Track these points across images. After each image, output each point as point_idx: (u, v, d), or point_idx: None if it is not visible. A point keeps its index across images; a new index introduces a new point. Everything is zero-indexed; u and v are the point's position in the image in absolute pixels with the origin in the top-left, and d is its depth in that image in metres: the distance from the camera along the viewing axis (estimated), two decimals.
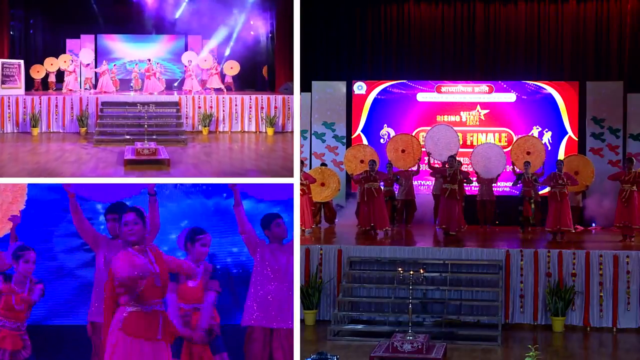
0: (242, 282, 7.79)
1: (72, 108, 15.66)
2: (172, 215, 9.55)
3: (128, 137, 14.16)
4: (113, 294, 6.34)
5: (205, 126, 15.68)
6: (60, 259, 9.75)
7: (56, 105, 15.63)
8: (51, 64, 17.30)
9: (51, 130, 15.65)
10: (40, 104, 15.58)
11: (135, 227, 6.46)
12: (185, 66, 17.30)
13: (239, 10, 17.03)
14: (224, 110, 15.97)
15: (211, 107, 15.94)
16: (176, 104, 15.91)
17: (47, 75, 17.27)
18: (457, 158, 15.61)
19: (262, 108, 15.92)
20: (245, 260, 8.67)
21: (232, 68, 17.43)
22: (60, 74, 17.30)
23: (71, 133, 15.51)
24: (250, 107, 16.00)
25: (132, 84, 17.57)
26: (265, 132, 15.76)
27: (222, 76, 17.38)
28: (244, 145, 14.75)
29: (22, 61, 16.26)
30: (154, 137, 13.89)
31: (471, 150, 16.53)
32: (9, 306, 7.54)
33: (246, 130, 16.00)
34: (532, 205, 15.02)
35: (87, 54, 17.48)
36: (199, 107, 15.93)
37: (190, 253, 7.70)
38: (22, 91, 15.99)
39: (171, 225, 9.18)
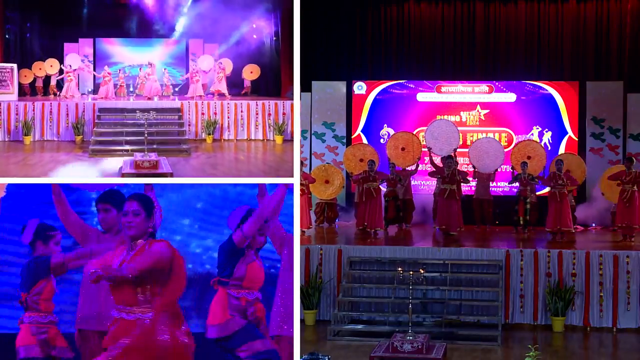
0: (269, 282, 7.06)
1: (67, 115, 14.75)
2: (178, 202, 8.53)
3: (127, 146, 13.32)
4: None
5: (209, 134, 14.75)
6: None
7: (50, 112, 14.75)
8: (39, 69, 16.36)
9: (45, 139, 14.70)
10: (33, 110, 14.64)
11: (135, 219, 5.93)
12: (189, 69, 16.51)
13: (242, 13, 16.58)
14: (228, 117, 15.03)
15: (215, 113, 14.98)
16: (178, 110, 14.97)
17: (35, 80, 16.44)
18: (456, 157, 15.64)
19: (269, 115, 14.96)
20: (271, 256, 7.78)
21: (252, 72, 16.31)
22: (47, 79, 16.52)
23: (66, 142, 14.59)
24: (257, 114, 15.02)
25: (131, 89, 16.74)
26: (274, 141, 14.80)
27: (241, 80, 16.40)
28: (251, 155, 13.95)
29: (14, 65, 15.37)
30: (155, 146, 13.06)
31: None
32: (51, 294, 6.85)
33: (253, 138, 15.00)
34: (527, 206, 15.02)
35: (73, 59, 16.41)
36: (202, 114, 14.98)
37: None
38: (14, 97, 15.09)
39: (182, 210, 8.27)
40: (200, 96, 15.97)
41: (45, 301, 6.85)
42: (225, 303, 6.79)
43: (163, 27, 17.16)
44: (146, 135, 13.12)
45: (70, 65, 16.32)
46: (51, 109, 14.86)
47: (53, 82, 16.47)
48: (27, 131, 14.52)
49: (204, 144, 14.62)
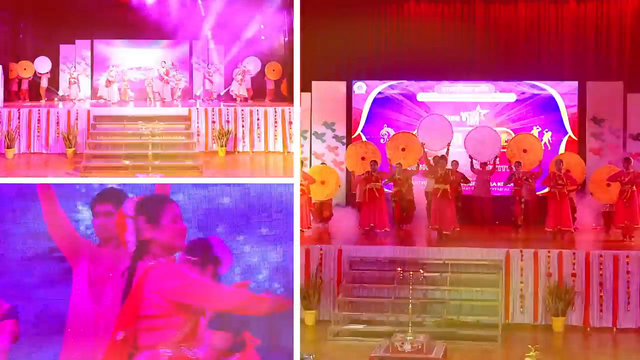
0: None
1: (57, 123, 13.06)
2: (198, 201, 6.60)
3: (127, 161, 11.81)
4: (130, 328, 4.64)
5: (221, 146, 13.09)
6: (16, 273, 6.27)
7: (38, 120, 13.05)
8: (11, 71, 14.89)
9: (31, 151, 12.97)
10: (19, 117, 12.99)
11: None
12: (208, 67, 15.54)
13: (248, 14, 16.18)
14: (243, 126, 13.39)
15: (228, 121, 13.35)
16: (185, 119, 13.37)
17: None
18: (453, 157, 15.63)
19: (290, 123, 13.35)
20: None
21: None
22: (20, 82, 15.42)
23: (56, 155, 12.92)
24: (276, 122, 13.43)
25: (131, 94, 15.68)
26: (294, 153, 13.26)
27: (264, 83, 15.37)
28: (270, 172, 12.54)
29: None
30: (158, 162, 11.59)
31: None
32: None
33: (271, 150, 13.43)
34: (522, 205, 15.02)
35: (43, 63, 15.14)
36: (213, 122, 13.35)
37: None
38: None
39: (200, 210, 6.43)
40: (212, 100, 14.85)
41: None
42: None
43: (165, 28, 16.81)
44: (150, 151, 11.73)
45: (75, 67, 15.56)
46: (39, 116, 13.22)
47: (25, 86, 15.24)
48: (10, 143, 12.82)
49: (215, 158, 13.08)
